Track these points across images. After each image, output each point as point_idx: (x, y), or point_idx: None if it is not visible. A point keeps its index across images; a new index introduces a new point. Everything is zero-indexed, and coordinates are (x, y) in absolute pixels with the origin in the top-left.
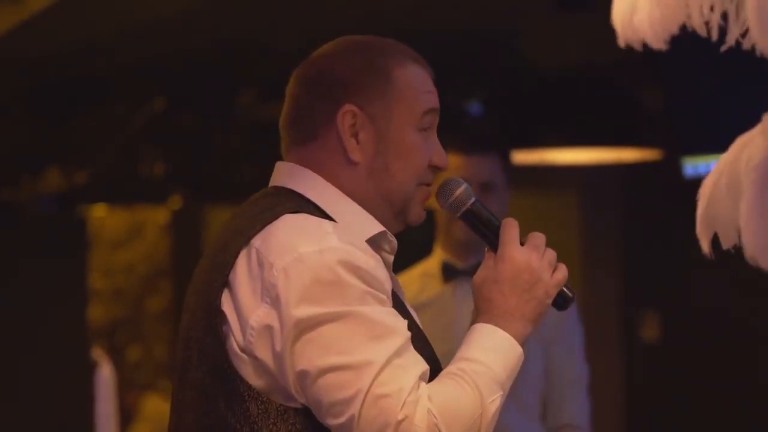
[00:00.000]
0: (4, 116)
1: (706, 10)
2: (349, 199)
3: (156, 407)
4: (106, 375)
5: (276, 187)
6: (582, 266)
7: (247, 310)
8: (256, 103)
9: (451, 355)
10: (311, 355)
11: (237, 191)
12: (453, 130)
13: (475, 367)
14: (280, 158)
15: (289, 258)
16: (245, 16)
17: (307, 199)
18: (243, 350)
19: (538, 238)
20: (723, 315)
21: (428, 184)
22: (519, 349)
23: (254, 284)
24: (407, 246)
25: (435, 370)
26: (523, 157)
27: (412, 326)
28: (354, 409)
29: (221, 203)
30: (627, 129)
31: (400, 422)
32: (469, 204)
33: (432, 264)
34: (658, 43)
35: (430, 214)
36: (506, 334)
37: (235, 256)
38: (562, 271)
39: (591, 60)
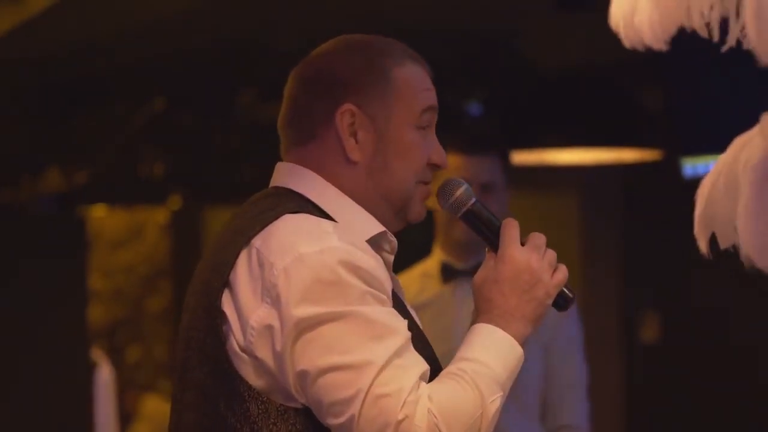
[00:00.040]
0: (4, 116)
1: (706, 11)
2: (350, 199)
3: (156, 407)
4: (105, 375)
5: (276, 188)
6: (582, 266)
7: (247, 310)
8: (256, 103)
9: (450, 356)
10: (312, 355)
11: (237, 191)
12: (453, 130)
13: (475, 367)
14: (280, 158)
15: (289, 258)
16: (245, 16)
17: (308, 199)
18: (243, 350)
19: (539, 238)
20: (723, 315)
21: (427, 183)
22: (519, 350)
23: (255, 284)
24: (407, 246)
25: (435, 370)
26: (523, 157)
27: (412, 326)
28: (354, 408)
29: (221, 203)
30: (627, 129)
31: (400, 422)
32: (469, 204)
33: (431, 264)
34: (659, 44)
35: (430, 215)
36: (506, 335)
37: (236, 257)
38: (563, 272)
39: (591, 60)
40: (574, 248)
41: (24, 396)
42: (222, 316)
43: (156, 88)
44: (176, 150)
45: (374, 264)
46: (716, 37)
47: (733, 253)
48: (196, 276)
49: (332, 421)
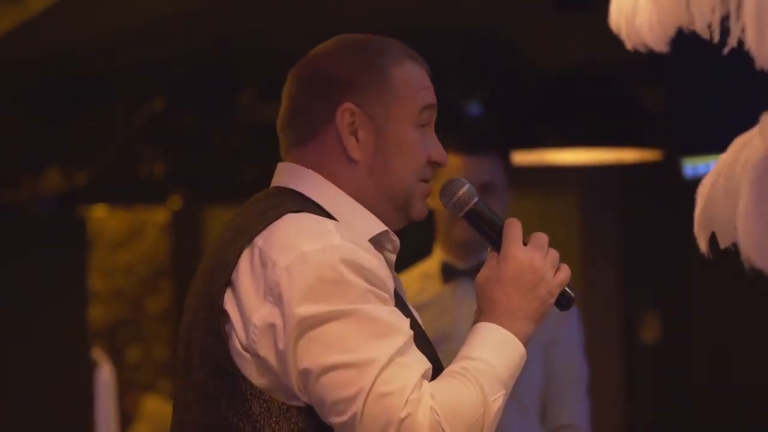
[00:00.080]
0: (4, 116)
1: (707, 13)
2: (351, 199)
3: (156, 408)
4: (106, 375)
5: (277, 188)
6: (582, 266)
7: (249, 309)
8: (256, 103)
9: (451, 356)
10: (314, 354)
11: (237, 191)
12: (453, 130)
13: (478, 366)
14: (280, 158)
15: (291, 256)
16: (245, 16)
17: (309, 198)
18: (246, 349)
19: (541, 238)
20: (723, 315)
21: (428, 180)
22: (522, 349)
23: (257, 283)
24: (407, 246)
25: (436, 369)
26: (523, 157)
27: (414, 326)
28: (357, 407)
29: (221, 203)
30: (627, 129)
31: (402, 420)
32: (472, 204)
33: (432, 264)
34: (659, 46)
35: (430, 214)
36: (509, 333)
37: (238, 256)
38: (565, 271)
39: (591, 60)
40: (574, 248)
41: (24, 396)
42: (224, 316)
43: (156, 88)
44: (176, 150)
45: (376, 263)
46: (716, 38)
47: (733, 252)
48: (197, 276)
49: (335, 420)
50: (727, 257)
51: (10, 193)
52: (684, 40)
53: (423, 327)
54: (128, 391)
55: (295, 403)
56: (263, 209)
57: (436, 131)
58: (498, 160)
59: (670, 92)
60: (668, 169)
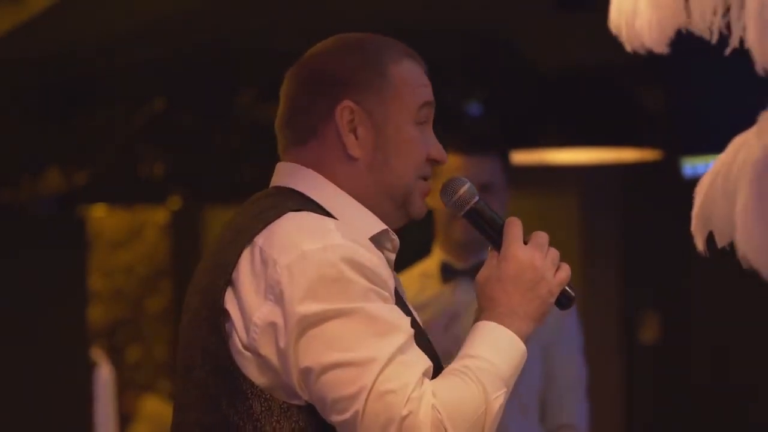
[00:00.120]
0: (4, 116)
1: (708, 13)
2: (351, 198)
3: (155, 408)
4: (105, 375)
5: (277, 187)
6: (582, 266)
7: (250, 307)
8: (256, 103)
9: (450, 356)
10: (315, 352)
11: (237, 191)
12: (453, 130)
13: (479, 364)
14: (280, 158)
15: (292, 255)
16: (245, 16)
17: (309, 197)
18: (246, 348)
19: (542, 237)
20: (723, 315)
21: (427, 178)
22: (523, 347)
23: (258, 282)
24: (406, 246)
25: (436, 369)
26: (523, 157)
27: (414, 325)
28: (358, 405)
29: (221, 203)
30: (627, 129)
31: (404, 418)
32: (473, 202)
33: (431, 264)
34: (660, 47)
35: (429, 214)
36: (510, 332)
37: (239, 255)
38: (566, 271)
39: (591, 60)
40: (574, 248)
41: (24, 396)
42: (225, 315)
43: (156, 88)
44: (176, 150)
45: (377, 261)
46: (716, 38)
47: (732, 252)
48: (196, 276)
49: (336, 418)
50: (727, 257)
51: (10, 193)
52: (683, 40)
53: (422, 326)
54: (128, 391)
55: (296, 401)
56: (263, 209)
57: (436, 131)
58: (498, 160)
59: (670, 92)
60: (668, 168)
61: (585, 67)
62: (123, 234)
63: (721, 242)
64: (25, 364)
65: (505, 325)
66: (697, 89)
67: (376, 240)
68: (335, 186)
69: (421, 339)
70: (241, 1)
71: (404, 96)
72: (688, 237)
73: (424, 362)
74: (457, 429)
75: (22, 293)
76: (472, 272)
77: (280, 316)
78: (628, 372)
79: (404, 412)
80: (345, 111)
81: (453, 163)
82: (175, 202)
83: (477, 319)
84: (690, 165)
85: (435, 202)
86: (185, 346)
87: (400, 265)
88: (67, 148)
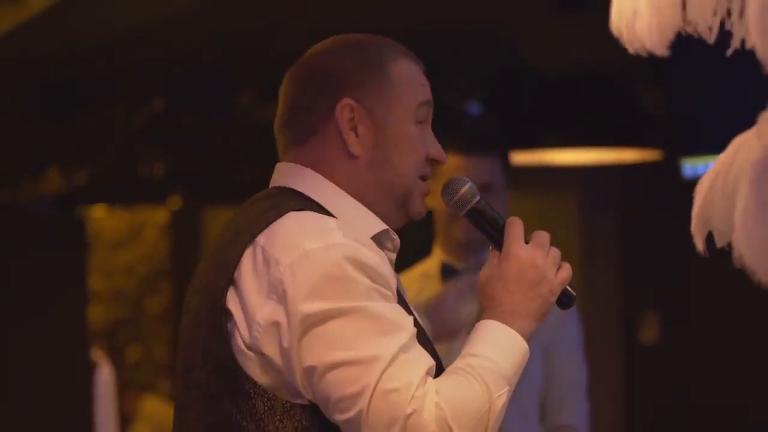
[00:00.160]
0: (4, 116)
1: (708, 15)
2: (351, 197)
3: (155, 408)
4: (105, 376)
5: (277, 188)
6: (582, 266)
7: (253, 307)
8: (256, 103)
9: (450, 356)
10: (318, 351)
11: (237, 191)
12: (453, 130)
13: (481, 362)
14: (279, 159)
15: (295, 254)
16: (245, 16)
17: (309, 197)
18: (249, 347)
19: (543, 236)
20: (723, 315)
21: (427, 178)
22: (525, 346)
23: (260, 281)
24: (406, 246)
25: (437, 368)
26: (523, 157)
27: (415, 324)
28: (362, 403)
29: (221, 203)
30: (626, 130)
31: (408, 416)
32: (474, 202)
33: (431, 264)
34: (660, 50)
35: (429, 214)
36: (512, 331)
37: (240, 255)
38: (567, 270)
39: (591, 61)
40: (574, 248)
41: (24, 396)
42: (227, 314)
43: (156, 88)
44: (176, 150)
45: (379, 260)
46: (716, 40)
47: (731, 252)
48: (196, 276)
49: (339, 417)
50: (727, 257)
51: (10, 193)
52: (683, 41)
53: (423, 327)
54: (128, 391)
55: (299, 401)
56: (263, 209)
57: (436, 131)
58: (498, 160)
59: (670, 92)
60: (668, 169)
61: (585, 67)
62: (123, 234)
63: (720, 242)
64: (25, 364)
65: (507, 324)
66: (697, 90)
67: (377, 240)
68: (335, 186)
69: (422, 339)
70: (241, 1)
71: (404, 94)
72: (688, 237)
73: (427, 361)
74: (462, 427)
75: (22, 293)
76: (472, 272)
77: (283, 315)
78: (628, 372)
79: (408, 410)
80: (345, 109)
81: (453, 163)
82: (175, 202)
83: (478, 319)
84: (690, 165)
85: (435, 202)
86: (185, 346)
87: (400, 265)
88: (67, 148)
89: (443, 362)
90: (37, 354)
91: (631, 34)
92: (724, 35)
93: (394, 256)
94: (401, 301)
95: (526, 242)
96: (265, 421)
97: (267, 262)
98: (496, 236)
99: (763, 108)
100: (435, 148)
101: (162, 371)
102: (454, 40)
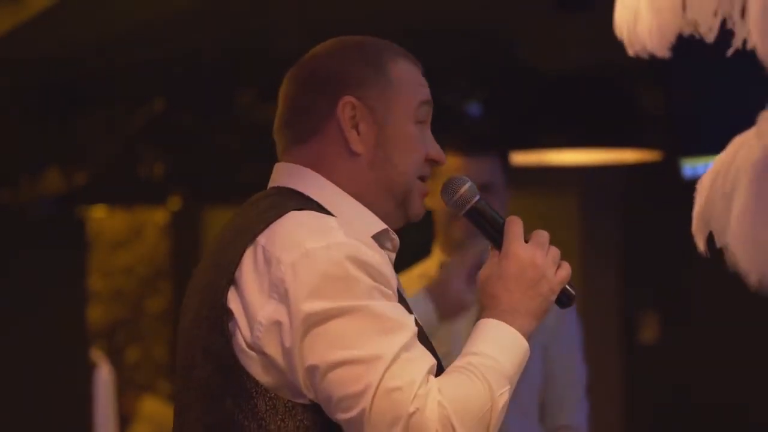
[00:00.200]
0: (4, 116)
1: (709, 16)
2: (351, 197)
3: (155, 408)
4: (105, 376)
5: (277, 188)
6: (582, 267)
7: (254, 306)
8: (256, 103)
9: (450, 357)
10: (321, 350)
11: (237, 191)
12: (453, 130)
13: (483, 361)
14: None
15: (296, 254)
16: (245, 16)
17: (309, 197)
18: (251, 347)
19: (542, 235)
20: (723, 315)
21: (426, 179)
22: (525, 344)
23: (261, 281)
24: (405, 247)
25: (437, 368)
26: (523, 157)
27: (416, 324)
28: (365, 402)
29: (221, 204)
30: (627, 130)
31: (411, 415)
32: (474, 201)
33: (431, 265)
34: (661, 51)
35: (429, 215)
36: (512, 329)
37: (241, 254)
38: (566, 269)
39: (591, 61)
40: (574, 248)
41: (24, 396)
42: (228, 314)
43: (156, 88)
44: (176, 150)
45: (380, 259)
46: (712, 39)
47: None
48: (196, 276)
49: (342, 416)
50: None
51: (10, 193)
52: (684, 41)
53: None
54: (127, 391)
55: (300, 400)
56: (263, 209)
57: (436, 131)
58: (497, 161)
59: (670, 93)
60: (668, 169)
61: (585, 68)
62: (123, 234)
63: (720, 242)
64: (25, 364)
65: (507, 323)
66: (697, 90)
67: (376, 239)
68: (335, 186)
69: (423, 339)
70: (241, 1)
71: (404, 94)
72: (688, 237)
73: (429, 359)
74: (464, 426)
75: (22, 293)
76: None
77: (285, 314)
78: (628, 372)
79: (411, 409)
80: (347, 107)
81: (453, 163)
82: (175, 203)
83: (479, 318)
84: (690, 165)
85: (434, 202)
86: (185, 346)
87: (399, 266)
88: (67, 148)
89: (443, 363)
90: (36, 354)
91: (633, 36)
92: (725, 35)
93: (393, 255)
94: (402, 300)
95: (526, 241)
96: (267, 420)
97: (268, 261)
98: (495, 236)
99: (763, 108)
100: (434, 149)
101: (162, 371)
102: (453, 40)
